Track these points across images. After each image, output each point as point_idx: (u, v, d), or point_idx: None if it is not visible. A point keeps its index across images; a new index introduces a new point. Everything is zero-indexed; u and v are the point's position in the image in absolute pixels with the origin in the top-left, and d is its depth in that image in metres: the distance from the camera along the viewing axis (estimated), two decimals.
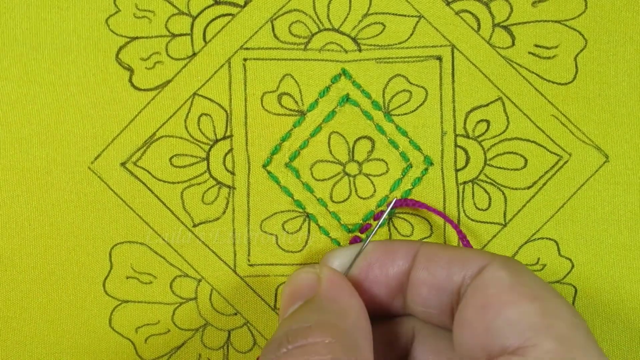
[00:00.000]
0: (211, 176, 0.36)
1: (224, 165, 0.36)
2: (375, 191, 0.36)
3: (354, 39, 0.36)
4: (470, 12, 0.36)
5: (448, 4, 0.36)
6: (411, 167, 0.36)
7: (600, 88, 0.36)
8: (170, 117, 0.35)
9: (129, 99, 0.35)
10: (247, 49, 0.36)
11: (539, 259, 0.36)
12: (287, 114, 0.36)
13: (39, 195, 0.35)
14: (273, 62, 0.36)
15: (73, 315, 0.35)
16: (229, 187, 0.36)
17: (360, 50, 0.36)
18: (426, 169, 0.36)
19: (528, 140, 0.36)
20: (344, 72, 0.36)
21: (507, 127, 0.36)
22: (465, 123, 0.36)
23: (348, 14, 0.36)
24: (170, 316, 0.36)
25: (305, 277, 0.31)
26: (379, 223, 0.35)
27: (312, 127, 0.36)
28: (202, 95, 0.36)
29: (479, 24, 0.36)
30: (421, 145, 0.36)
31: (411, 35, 0.36)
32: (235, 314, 0.36)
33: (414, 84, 0.36)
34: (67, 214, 0.35)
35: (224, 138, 0.36)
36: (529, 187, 0.36)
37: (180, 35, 0.35)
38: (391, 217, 0.36)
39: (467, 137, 0.36)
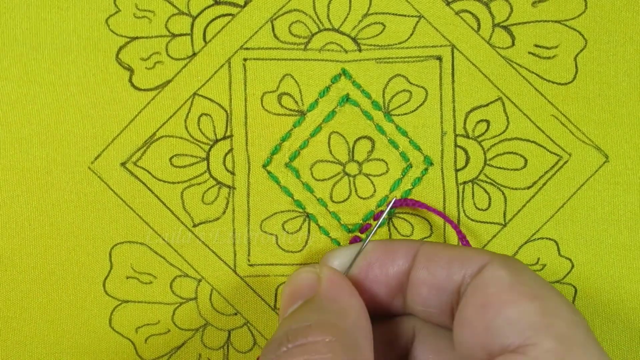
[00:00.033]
0: (211, 176, 0.36)
1: (224, 165, 0.36)
2: (375, 191, 0.36)
3: (354, 39, 0.36)
4: (470, 12, 0.36)
5: (448, 4, 0.36)
6: (411, 167, 0.36)
7: (600, 88, 0.36)
8: (170, 117, 0.35)
9: (129, 99, 0.35)
10: (247, 49, 0.36)
11: (538, 259, 0.36)
12: (287, 114, 0.36)
13: (39, 195, 0.35)
14: (273, 62, 0.36)
15: (73, 315, 0.35)
16: (229, 187, 0.36)
17: (360, 50, 0.36)
18: (426, 169, 0.36)
19: (528, 140, 0.36)
20: (344, 72, 0.36)
21: (507, 127, 0.36)
22: (465, 123, 0.36)
23: (348, 14, 0.36)
24: (171, 316, 0.36)
25: (305, 277, 0.31)
26: (379, 223, 0.35)
27: (312, 127, 0.36)
28: (202, 95, 0.36)
29: (479, 24, 0.36)
30: (421, 145, 0.36)
31: (411, 35, 0.36)
32: (235, 314, 0.36)
33: (414, 84, 0.36)
34: (67, 214, 0.35)
35: (224, 138, 0.36)
36: (528, 187, 0.36)
37: (180, 35, 0.35)
38: (391, 217, 0.36)
39: (467, 137, 0.36)
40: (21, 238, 0.35)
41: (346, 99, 0.36)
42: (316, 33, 0.36)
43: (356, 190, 0.36)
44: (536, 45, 0.36)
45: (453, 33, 0.36)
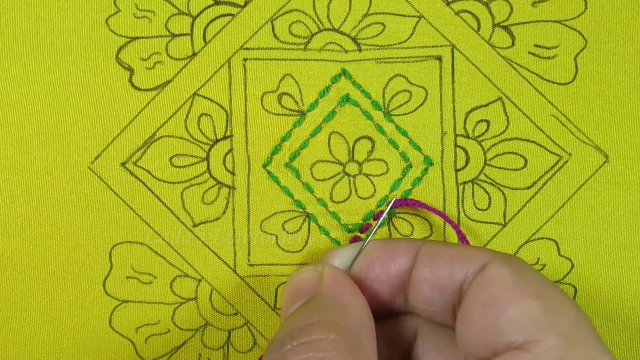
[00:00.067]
0: (211, 176, 0.36)
1: (224, 165, 0.36)
2: (375, 191, 0.36)
3: (354, 39, 0.36)
4: (470, 12, 0.36)
5: (448, 4, 0.36)
6: (411, 167, 0.36)
7: (600, 88, 0.36)
8: (170, 117, 0.35)
9: (129, 99, 0.35)
10: (247, 49, 0.36)
11: (538, 258, 0.36)
12: (287, 114, 0.36)
13: (39, 195, 0.35)
14: (273, 62, 0.36)
15: (73, 315, 0.35)
16: (229, 187, 0.36)
17: (360, 50, 0.36)
18: (426, 169, 0.36)
19: (528, 141, 0.36)
20: (344, 72, 0.36)
21: (507, 127, 0.36)
22: (465, 123, 0.36)
23: (348, 14, 0.36)
24: (171, 316, 0.36)
25: (307, 276, 0.31)
26: (379, 222, 0.35)
27: (312, 127, 0.36)
28: (202, 95, 0.36)
29: (479, 24, 0.36)
30: (421, 145, 0.36)
31: (411, 35, 0.36)
32: (235, 314, 0.36)
33: (414, 84, 0.36)
34: (67, 214, 0.35)
35: (224, 138, 0.36)
36: (528, 187, 0.36)
37: (180, 35, 0.35)
38: (391, 217, 0.36)
39: (467, 137, 0.36)
40: (21, 238, 0.35)
41: (346, 99, 0.36)
42: (316, 33, 0.36)
43: (356, 190, 0.36)
44: (536, 45, 0.36)
45: (453, 33, 0.36)
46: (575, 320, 0.28)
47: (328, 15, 0.36)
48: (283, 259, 0.36)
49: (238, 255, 0.36)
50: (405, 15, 0.36)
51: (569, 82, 0.36)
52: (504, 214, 0.36)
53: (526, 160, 0.36)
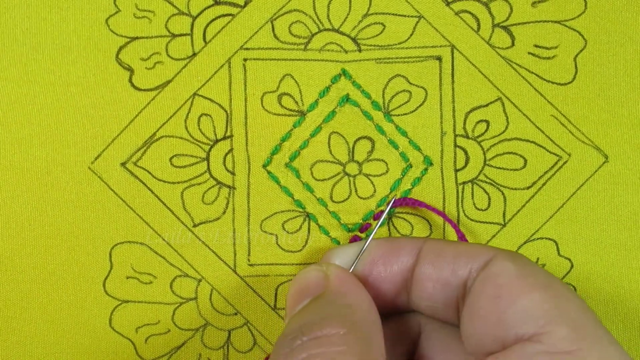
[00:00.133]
0: (211, 176, 0.36)
1: (224, 165, 0.36)
2: (375, 191, 0.36)
3: (354, 39, 0.36)
4: (470, 13, 0.36)
5: (448, 4, 0.36)
6: (411, 167, 0.36)
7: (600, 88, 0.36)
8: (171, 117, 0.35)
9: (129, 99, 0.35)
10: (247, 49, 0.36)
11: (538, 258, 0.36)
12: (287, 114, 0.36)
13: (39, 195, 0.35)
14: (273, 62, 0.36)
15: (73, 315, 0.35)
16: (229, 187, 0.36)
17: (360, 51, 0.36)
18: (426, 169, 0.36)
19: (527, 141, 0.36)
20: (344, 72, 0.36)
21: (506, 128, 0.36)
22: (464, 123, 0.36)
23: (348, 14, 0.36)
24: (171, 316, 0.36)
25: (313, 275, 0.31)
26: (380, 221, 0.35)
27: (312, 127, 0.36)
28: (202, 96, 0.36)
29: (478, 25, 0.36)
30: (421, 145, 0.36)
31: (411, 35, 0.36)
32: (235, 313, 0.36)
33: (413, 84, 0.36)
34: (67, 214, 0.35)
35: (224, 138, 0.36)
36: (528, 187, 0.36)
37: (180, 35, 0.35)
38: (391, 216, 0.36)
39: (467, 137, 0.36)
40: (21, 238, 0.35)
41: (346, 99, 0.36)
42: (316, 33, 0.36)
43: (356, 190, 0.36)
44: (536, 46, 0.36)
45: (453, 33, 0.36)
46: (582, 311, 0.28)
47: (328, 16, 0.36)
48: (283, 259, 0.36)
49: (238, 255, 0.36)
50: (405, 16, 0.36)
51: (569, 83, 0.36)
52: (504, 214, 0.36)
53: (526, 161, 0.36)
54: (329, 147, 0.36)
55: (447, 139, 0.36)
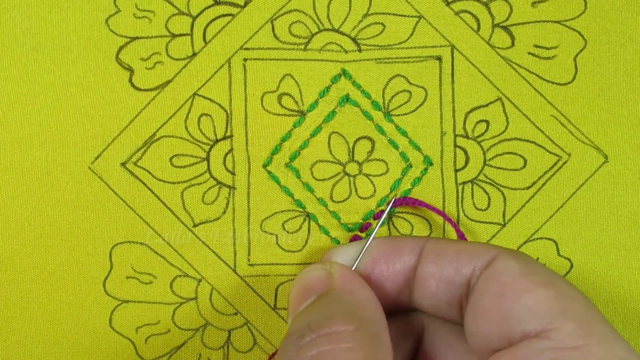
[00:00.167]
0: (211, 176, 0.36)
1: (224, 165, 0.36)
2: (375, 191, 0.36)
3: (354, 39, 0.36)
4: (470, 13, 0.36)
5: (448, 4, 0.36)
6: (411, 167, 0.36)
7: (600, 88, 0.36)
8: (171, 117, 0.35)
9: (129, 99, 0.35)
10: (247, 49, 0.36)
11: (538, 259, 0.36)
12: (287, 114, 0.36)
13: (39, 195, 0.35)
14: (273, 62, 0.36)
15: (73, 315, 0.35)
16: (229, 187, 0.36)
17: (360, 51, 0.36)
18: (426, 169, 0.36)
19: (527, 141, 0.36)
20: (344, 72, 0.36)
21: (506, 128, 0.36)
22: (464, 123, 0.36)
23: (348, 14, 0.36)
24: (171, 316, 0.36)
25: (317, 274, 0.31)
26: (381, 221, 0.35)
27: (312, 127, 0.36)
28: (202, 96, 0.36)
29: (478, 25, 0.36)
30: (421, 145, 0.36)
31: (411, 35, 0.36)
32: (236, 313, 0.36)
33: (413, 84, 0.36)
34: (67, 214, 0.35)
35: (224, 138, 0.36)
36: (528, 188, 0.36)
37: (180, 35, 0.35)
38: (391, 216, 0.36)
39: (467, 137, 0.36)
40: (21, 238, 0.35)
41: (346, 99, 0.36)
42: (316, 33, 0.36)
43: (356, 190, 0.36)
44: (536, 46, 0.36)
45: (453, 33, 0.36)
46: (587, 308, 0.28)
47: (328, 16, 0.36)
48: (283, 259, 0.36)
49: (238, 255, 0.36)
50: (405, 16, 0.36)
51: (569, 83, 0.36)
52: (504, 214, 0.36)
53: (526, 161, 0.36)
54: (329, 147, 0.36)
55: (447, 139, 0.36)
